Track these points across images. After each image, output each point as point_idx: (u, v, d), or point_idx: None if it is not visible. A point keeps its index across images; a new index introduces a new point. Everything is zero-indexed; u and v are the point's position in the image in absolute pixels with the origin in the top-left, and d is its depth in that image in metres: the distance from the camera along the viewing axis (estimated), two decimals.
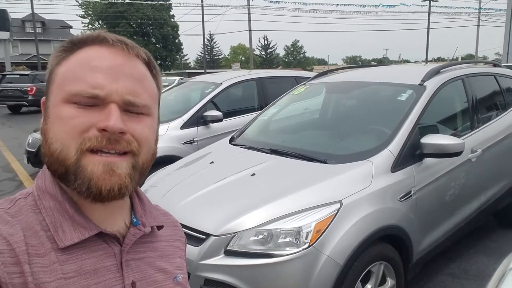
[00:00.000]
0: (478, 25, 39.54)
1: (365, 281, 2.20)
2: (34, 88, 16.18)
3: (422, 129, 2.65)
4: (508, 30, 18.64)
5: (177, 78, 18.95)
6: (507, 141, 3.52)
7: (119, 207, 0.68)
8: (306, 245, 1.96)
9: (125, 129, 0.61)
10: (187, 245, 2.11)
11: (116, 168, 0.61)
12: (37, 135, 5.67)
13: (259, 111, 4.16)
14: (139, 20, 39.43)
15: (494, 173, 3.37)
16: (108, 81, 0.61)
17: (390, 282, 2.36)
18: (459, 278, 3.09)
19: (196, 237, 2.09)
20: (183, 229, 2.22)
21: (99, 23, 39.69)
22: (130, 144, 0.62)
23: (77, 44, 0.64)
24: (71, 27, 45.59)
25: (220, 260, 2.00)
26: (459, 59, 29.21)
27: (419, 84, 2.91)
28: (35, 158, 5.49)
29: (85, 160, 0.60)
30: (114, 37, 0.65)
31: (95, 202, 0.62)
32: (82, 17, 41.50)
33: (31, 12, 27.89)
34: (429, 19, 36.50)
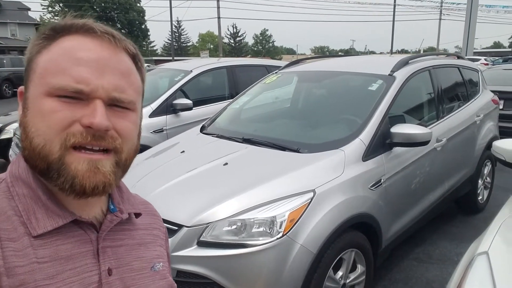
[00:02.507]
0: (440, 19, 40.99)
1: (336, 268, 2.23)
2: None
3: (391, 118, 2.71)
4: (468, 24, 19.48)
5: (144, 65, 18.41)
6: (468, 131, 3.67)
7: None
8: (280, 235, 1.95)
9: (110, 126, 0.59)
10: None
11: (100, 166, 0.60)
12: None
13: (230, 100, 4.11)
14: (103, 4, 37.91)
15: (456, 162, 3.52)
16: (93, 75, 0.59)
17: (360, 268, 2.41)
18: (424, 263, 3.22)
19: (168, 228, 2.03)
20: None
21: (59, 6, 37.80)
22: (115, 141, 0.61)
23: (59, 32, 0.61)
24: (29, 9, 43.08)
25: (193, 251, 1.96)
26: (421, 52, 30.18)
27: (388, 75, 2.96)
28: None
29: (69, 157, 0.58)
30: (102, 28, 0.62)
31: (78, 199, 0.61)
32: None
33: None
34: (394, 11, 37.39)
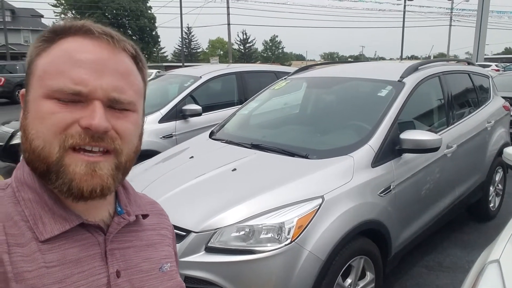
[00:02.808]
0: (450, 25, 40.71)
1: (345, 275, 2.22)
2: (3, 79, 15.55)
3: (400, 125, 2.69)
4: (479, 30, 19.31)
5: (154, 71, 18.59)
6: (478, 138, 3.63)
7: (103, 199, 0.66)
8: (288, 241, 1.95)
9: (109, 128, 0.59)
10: None
11: (98, 169, 0.59)
12: (6, 128, 5.43)
13: (239, 106, 4.13)
14: (114, 11, 38.45)
15: (467, 169, 3.48)
16: (92, 76, 0.58)
17: (369, 276, 2.38)
18: (434, 270, 3.18)
19: (176, 234, 2.04)
20: None
21: (72, 13, 38.47)
22: (114, 142, 0.61)
23: (59, 34, 0.61)
24: (42, 16, 43.90)
25: (201, 257, 1.96)
26: (431, 58, 29.97)
27: (398, 81, 2.94)
28: (4, 152, 5.26)
29: (68, 159, 0.58)
30: (100, 29, 0.62)
31: (77, 202, 0.61)
32: (54, 6, 40.09)
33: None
34: (404, 18, 37.27)
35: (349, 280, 2.24)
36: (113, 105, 0.61)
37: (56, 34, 0.61)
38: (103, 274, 0.63)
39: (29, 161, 0.61)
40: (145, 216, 0.74)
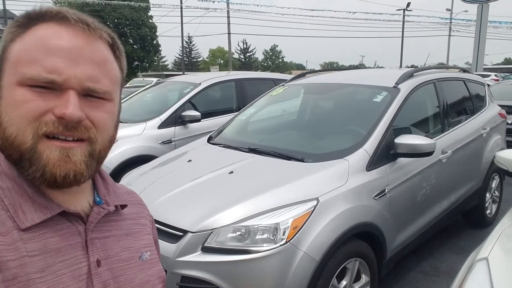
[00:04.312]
0: (449, 35, 41.00)
1: (340, 277, 2.24)
2: None
3: (396, 131, 2.73)
4: (478, 40, 19.44)
5: (155, 79, 18.72)
6: (474, 144, 3.67)
7: (81, 188, 0.67)
8: (283, 241, 1.98)
9: (83, 117, 0.59)
10: (164, 242, 2.08)
11: (72, 155, 0.59)
12: None
13: (238, 112, 4.18)
14: (116, 20, 38.77)
15: (463, 175, 3.51)
16: (66, 65, 0.58)
17: (364, 278, 2.41)
18: (430, 275, 3.19)
19: (172, 234, 2.07)
20: (160, 226, 2.19)
21: None
22: (88, 131, 0.61)
23: (33, 19, 0.60)
24: None
25: (198, 256, 1.99)
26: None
27: (393, 87, 3.00)
28: None
29: (41, 146, 0.58)
30: (76, 16, 0.61)
31: (52, 189, 0.62)
32: None
33: (2, 8, 26.97)
34: (403, 27, 37.57)
35: (344, 282, 2.26)
36: (89, 95, 0.60)
37: (31, 20, 0.60)
38: (84, 263, 0.63)
39: (3, 148, 0.61)
40: (123, 206, 0.75)
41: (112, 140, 0.67)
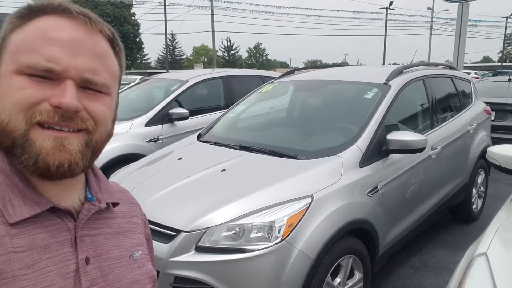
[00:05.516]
0: (431, 34, 41.72)
1: (334, 274, 2.22)
2: None
3: (386, 127, 2.73)
4: (458, 39, 19.82)
5: (138, 77, 18.43)
6: (461, 140, 3.72)
7: (73, 183, 0.66)
8: (279, 240, 1.95)
9: (80, 108, 0.58)
10: (156, 242, 2.02)
11: (67, 144, 0.58)
12: None
13: (226, 110, 4.13)
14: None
15: (451, 170, 3.55)
16: (66, 55, 0.57)
17: (358, 275, 2.40)
18: (420, 270, 3.22)
19: (165, 233, 2.02)
20: (152, 225, 2.12)
21: None
22: (85, 122, 0.60)
23: (35, 11, 0.60)
24: None
25: (191, 256, 1.94)
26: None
27: (384, 83, 3.00)
28: None
29: (34, 134, 0.57)
30: (78, 9, 0.60)
31: (44, 179, 0.60)
32: None
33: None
34: (386, 26, 38.02)
35: (338, 279, 2.25)
36: (87, 86, 0.60)
37: (32, 11, 0.60)
38: (73, 260, 0.62)
39: None
40: (115, 204, 0.73)
41: (110, 134, 0.67)
